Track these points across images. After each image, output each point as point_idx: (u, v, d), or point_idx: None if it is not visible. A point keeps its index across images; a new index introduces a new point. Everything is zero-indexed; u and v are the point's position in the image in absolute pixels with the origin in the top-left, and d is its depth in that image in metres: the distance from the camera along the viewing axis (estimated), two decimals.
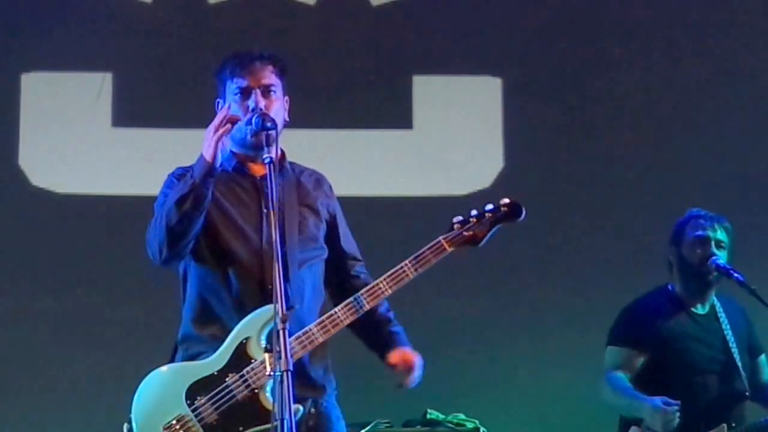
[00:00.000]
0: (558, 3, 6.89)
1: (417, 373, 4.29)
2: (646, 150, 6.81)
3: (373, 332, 4.36)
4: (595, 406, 5.60)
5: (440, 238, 4.17)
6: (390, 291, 4.16)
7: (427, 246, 4.16)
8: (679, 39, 6.91)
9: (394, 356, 4.31)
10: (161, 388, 4.15)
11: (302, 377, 4.11)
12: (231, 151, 4.35)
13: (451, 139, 6.73)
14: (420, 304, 6.22)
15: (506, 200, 4.20)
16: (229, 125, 4.14)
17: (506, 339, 6.54)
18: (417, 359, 4.30)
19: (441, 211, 4.30)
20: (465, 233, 4.17)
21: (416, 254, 4.16)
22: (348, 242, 4.46)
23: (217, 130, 4.11)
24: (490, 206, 4.19)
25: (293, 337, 4.03)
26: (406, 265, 4.15)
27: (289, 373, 3.68)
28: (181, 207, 4.08)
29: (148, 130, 6.64)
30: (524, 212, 4.19)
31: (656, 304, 5.52)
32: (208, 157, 4.09)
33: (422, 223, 5.78)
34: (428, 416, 5.93)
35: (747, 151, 6.79)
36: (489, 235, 4.18)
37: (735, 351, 5.43)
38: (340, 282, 4.39)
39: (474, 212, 4.19)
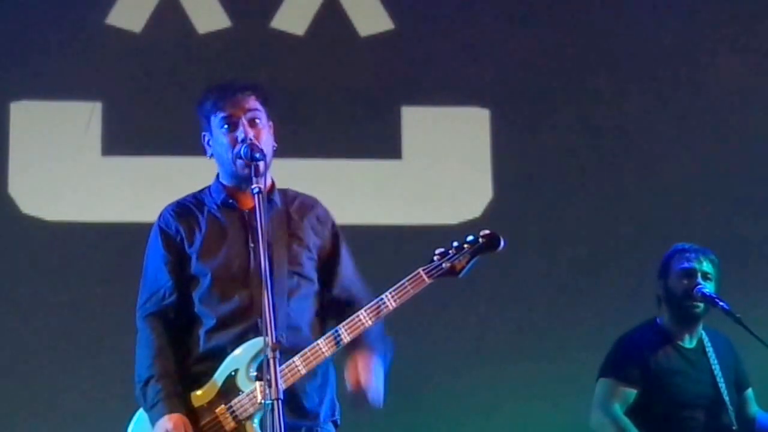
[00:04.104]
0: (546, 35, 6.92)
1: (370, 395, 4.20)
2: (634, 181, 6.84)
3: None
4: None
5: (420, 269, 4.16)
6: (370, 323, 4.14)
7: (407, 278, 4.15)
8: (667, 71, 6.94)
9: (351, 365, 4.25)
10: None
11: (293, 404, 4.12)
12: (220, 183, 4.36)
13: (440, 170, 6.75)
14: (406, 333, 6.22)
15: (485, 231, 4.19)
16: None
17: (492, 368, 6.53)
18: (369, 379, 4.22)
19: (430, 241, 4.29)
20: (444, 265, 4.14)
21: (396, 286, 4.15)
22: (348, 280, 4.40)
23: None
24: (470, 237, 4.16)
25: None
26: (386, 296, 4.14)
27: (279, 402, 3.70)
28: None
29: (137, 158, 6.65)
30: (503, 243, 4.17)
31: (645, 338, 5.52)
32: None
33: (411, 253, 5.76)
34: None
35: (740, 184, 6.82)
36: (468, 266, 4.16)
37: (722, 385, 5.44)
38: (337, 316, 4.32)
39: (455, 244, 4.18)
